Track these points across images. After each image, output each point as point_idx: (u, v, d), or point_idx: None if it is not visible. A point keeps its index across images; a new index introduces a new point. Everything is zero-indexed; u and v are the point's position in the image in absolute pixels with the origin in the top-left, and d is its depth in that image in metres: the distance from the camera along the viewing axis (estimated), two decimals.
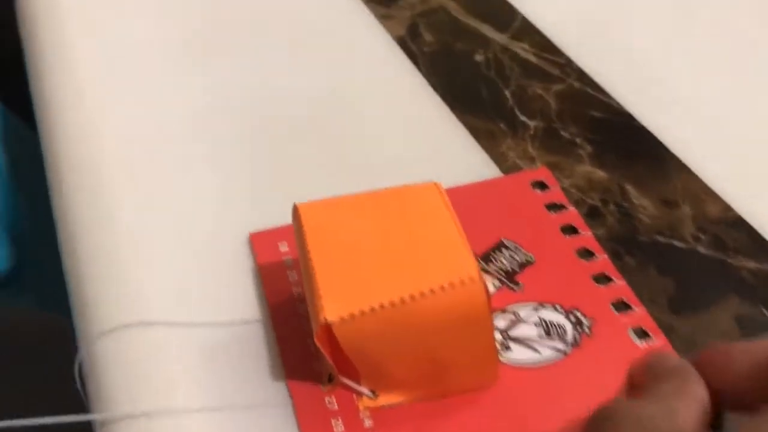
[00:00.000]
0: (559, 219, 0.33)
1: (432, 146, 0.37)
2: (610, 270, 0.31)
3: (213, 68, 0.41)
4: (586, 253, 0.31)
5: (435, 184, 0.27)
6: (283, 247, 0.31)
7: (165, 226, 0.33)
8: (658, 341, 0.28)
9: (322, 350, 0.25)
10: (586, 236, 0.32)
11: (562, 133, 0.37)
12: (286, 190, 0.33)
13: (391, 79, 0.40)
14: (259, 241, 0.32)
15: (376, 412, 0.26)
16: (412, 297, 0.23)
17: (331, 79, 0.40)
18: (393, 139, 0.37)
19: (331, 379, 0.27)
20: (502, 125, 0.37)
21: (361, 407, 0.26)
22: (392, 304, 0.23)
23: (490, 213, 0.33)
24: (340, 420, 0.26)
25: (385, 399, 0.26)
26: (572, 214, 0.33)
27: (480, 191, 0.34)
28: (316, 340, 0.24)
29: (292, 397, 0.27)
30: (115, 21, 0.44)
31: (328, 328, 0.23)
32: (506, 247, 0.31)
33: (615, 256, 0.31)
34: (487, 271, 0.30)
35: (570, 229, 0.32)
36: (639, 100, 0.38)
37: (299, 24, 0.44)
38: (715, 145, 0.36)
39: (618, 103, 0.38)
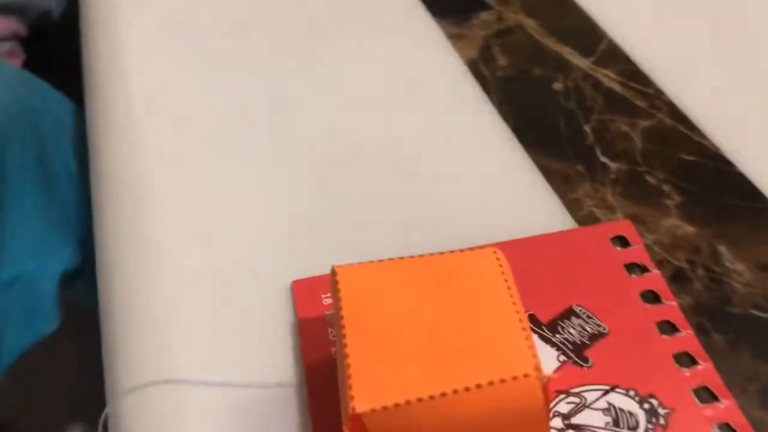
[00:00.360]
0: (640, 283, 0.29)
1: (497, 189, 0.33)
2: (696, 349, 0.27)
3: (262, 98, 0.38)
4: (669, 327, 0.27)
5: (494, 251, 0.24)
6: (327, 300, 0.29)
7: (203, 274, 0.30)
8: None
9: None
10: (671, 306, 0.28)
11: (648, 178, 0.33)
12: (333, 236, 0.31)
13: (458, 108, 0.37)
14: (301, 290, 0.29)
15: None
16: (455, 391, 0.20)
17: (392, 111, 0.37)
18: (453, 179, 0.33)
19: None
20: (579, 167, 0.33)
21: None
22: (432, 398, 0.20)
23: (561, 272, 0.29)
24: None
25: None
26: (656, 278, 0.29)
27: (550, 245, 0.30)
28: (345, 430, 0.21)
29: None
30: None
31: (358, 418, 0.21)
32: (576, 315, 0.28)
33: (701, 332, 0.27)
34: (551, 342, 0.27)
35: (652, 296, 0.28)
36: (739, 143, 0.33)
37: (365, 46, 0.41)
38: None
39: (714, 145, 0.34)
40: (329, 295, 0.29)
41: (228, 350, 0.28)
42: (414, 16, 0.43)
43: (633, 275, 0.29)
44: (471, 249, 0.24)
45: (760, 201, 0.32)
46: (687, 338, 0.27)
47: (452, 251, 0.24)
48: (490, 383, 0.20)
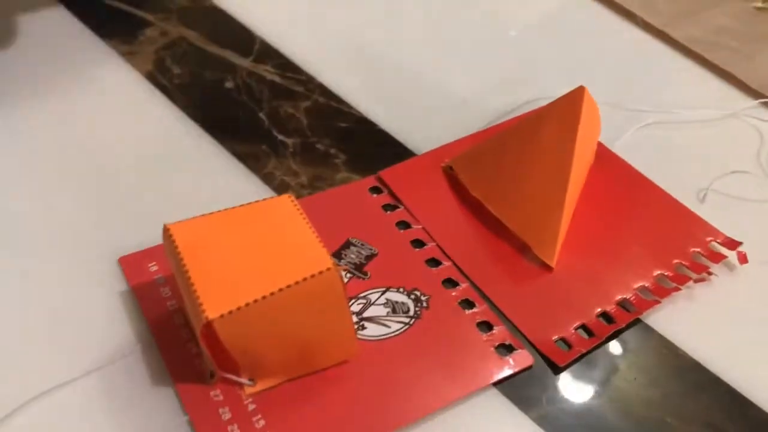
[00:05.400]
0: (394, 217, 0.38)
1: (205, 178, 0.39)
2: (439, 255, 0.37)
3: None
4: (418, 243, 0.37)
5: (289, 196, 0.32)
6: (153, 267, 0.34)
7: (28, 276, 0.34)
8: (480, 308, 0.34)
9: (205, 349, 0.28)
10: (417, 229, 0.38)
11: (318, 146, 0.42)
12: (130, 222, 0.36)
13: (148, 117, 0.43)
14: (128, 264, 0.35)
15: (257, 397, 0.30)
16: (280, 290, 0.28)
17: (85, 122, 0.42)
18: (168, 174, 0.40)
19: (212, 375, 0.30)
20: (263, 147, 0.42)
21: (243, 395, 0.30)
22: (264, 298, 0.27)
23: (337, 217, 0.38)
24: (227, 409, 0.30)
25: (263, 384, 0.30)
26: (403, 213, 0.39)
27: (326, 199, 0.39)
28: (200, 340, 0.28)
29: (180, 396, 0.30)
30: None
31: (210, 326, 0.27)
32: (353, 245, 0.37)
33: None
34: (339, 266, 0.35)
35: (403, 224, 0.38)
36: (379, 109, 0.44)
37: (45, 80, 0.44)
38: None
39: (359, 112, 0.44)
40: (154, 263, 0.35)
41: (76, 341, 0.32)
42: (84, 39, 0.47)
43: (388, 212, 0.39)
44: (272, 198, 0.32)
45: (399, 147, 0.42)
46: (432, 249, 0.37)
47: (257, 201, 0.31)
48: (304, 279, 0.28)
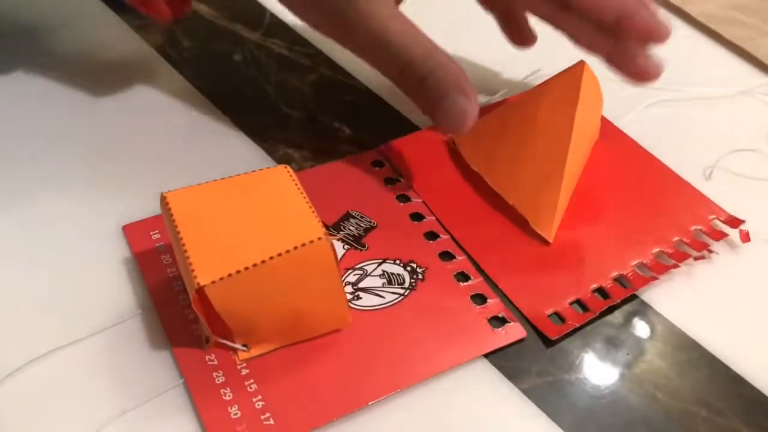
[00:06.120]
0: (394, 190, 0.39)
1: (207, 145, 0.40)
2: (437, 228, 0.37)
3: None
4: (417, 216, 0.37)
5: (285, 167, 0.32)
6: (155, 235, 0.35)
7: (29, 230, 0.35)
8: (476, 280, 0.35)
9: (198, 314, 0.29)
10: (418, 203, 0.38)
11: (322, 119, 0.42)
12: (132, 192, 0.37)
13: (154, 85, 0.44)
14: (131, 232, 0.35)
15: (250, 362, 0.31)
16: (272, 257, 0.28)
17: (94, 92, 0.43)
18: (175, 145, 0.40)
19: (208, 340, 0.31)
20: (269, 119, 0.42)
21: (237, 360, 0.31)
22: (255, 266, 0.28)
23: (338, 190, 0.38)
24: (221, 373, 0.31)
25: (257, 350, 0.31)
26: (405, 186, 0.39)
27: (328, 172, 0.39)
28: (192, 305, 0.28)
29: (177, 360, 0.31)
30: None
31: (201, 291, 0.28)
32: (353, 217, 0.37)
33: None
34: (337, 238, 0.36)
35: (404, 198, 0.38)
36: (384, 82, 0.42)
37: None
38: None
39: (364, 86, 0.44)
40: (157, 231, 0.35)
41: (79, 304, 0.33)
42: (98, 12, 0.48)
43: (389, 185, 0.39)
44: (268, 168, 0.32)
45: (405, 121, 0.43)
46: (431, 222, 0.37)
47: (254, 171, 0.32)
48: (295, 248, 0.28)
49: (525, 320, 0.34)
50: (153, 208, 0.36)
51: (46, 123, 0.41)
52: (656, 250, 0.36)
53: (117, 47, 0.46)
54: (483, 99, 0.44)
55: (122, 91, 0.43)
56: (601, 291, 0.35)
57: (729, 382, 0.32)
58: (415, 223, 0.37)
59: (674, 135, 0.44)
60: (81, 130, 0.41)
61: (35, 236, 0.36)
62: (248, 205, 0.30)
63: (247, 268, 0.28)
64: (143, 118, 0.42)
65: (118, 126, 0.41)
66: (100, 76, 0.44)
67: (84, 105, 0.42)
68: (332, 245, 0.29)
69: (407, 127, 0.42)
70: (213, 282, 0.28)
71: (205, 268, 0.28)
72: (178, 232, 0.29)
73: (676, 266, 0.35)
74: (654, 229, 0.37)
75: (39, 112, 0.42)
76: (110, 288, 0.34)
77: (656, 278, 0.35)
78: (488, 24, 0.44)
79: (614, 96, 0.42)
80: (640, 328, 0.34)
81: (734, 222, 0.37)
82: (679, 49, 0.50)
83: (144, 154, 0.40)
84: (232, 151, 0.40)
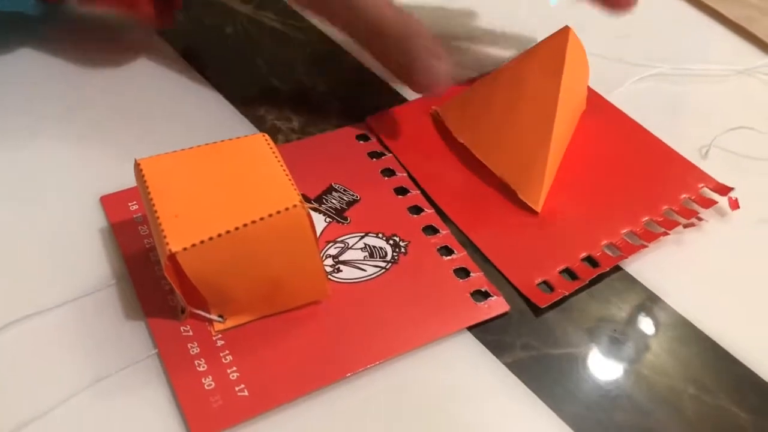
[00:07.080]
0: (379, 164, 0.38)
1: (195, 117, 0.40)
2: (422, 202, 0.36)
3: None
4: (402, 191, 0.37)
5: (263, 135, 0.31)
6: (133, 206, 0.35)
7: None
8: (459, 254, 0.34)
9: (172, 283, 0.28)
10: (402, 177, 0.37)
11: (312, 92, 0.42)
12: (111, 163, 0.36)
13: (143, 56, 0.43)
14: (109, 203, 0.35)
15: (226, 333, 0.30)
16: (246, 225, 0.27)
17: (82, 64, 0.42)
18: (161, 117, 0.40)
19: (183, 311, 0.30)
20: (257, 91, 0.41)
21: (212, 331, 0.30)
22: (228, 233, 0.27)
23: (322, 163, 0.37)
24: (195, 344, 0.30)
25: (233, 321, 0.30)
26: (390, 160, 0.38)
27: (313, 144, 0.38)
28: (165, 273, 0.28)
29: (151, 330, 0.30)
30: None
31: (173, 259, 0.27)
32: (335, 190, 0.36)
33: None
34: (319, 210, 0.35)
35: (388, 172, 0.37)
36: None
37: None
38: None
39: (356, 60, 0.44)
40: (135, 202, 0.35)
41: (54, 273, 0.32)
42: None
43: (374, 159, 0.38)
44: (246, 136, 0.31)
45: (395, 95, 0.42)
46: (415, 196, 0.36)
47: (231, 139, 0.31)
48: (270, 215, 0.28)
49: (511, 293, 0.33)
50: (133, 180, 0.35)
51: (25, 91, 0.40)
52: (646, 218, 0.35)
53: (106, 18, 0.45)
54: (473, 73, 0.43)
55: (110, 62, 0.43)
56: (590, 259, 0.34)
57: (718, 360, 0.32)
58: (400, 197, 0.36)
59: (670, 112, 0.43)
60: (63, 99, 0.40)
61: (12, 205, 0.35)
62: (224, 173, 0.29)
63: (220, 235, 0.27)
64: (131, 89, 0.41)
65: (105, 96, 0.40)
66: (86, 47, 0.43)
67: (69, 75, 0.42)
68: (309, 213, 0.28)
69: (399, 102, 0.41)
70: (185, 249, 0.27)
71: (178, 234, 0.27)
72: (151, 199, 0.29)
73: (665, 234, 0.35)
74: (643, 197, 0.36)
75: (20, 80, 0.41)
76: (86, 258, 0.33)
77: (645, 246, 0.34)
78: (479, 1, 0.43)
79: (608, 71, 0.41)
80: (628, 304, 0.33)
81: (723, 189, 0.37)
82: (679, 27, 0.50)
83: (129, 125, 0.39)
84: (220, 123, 0.40)
